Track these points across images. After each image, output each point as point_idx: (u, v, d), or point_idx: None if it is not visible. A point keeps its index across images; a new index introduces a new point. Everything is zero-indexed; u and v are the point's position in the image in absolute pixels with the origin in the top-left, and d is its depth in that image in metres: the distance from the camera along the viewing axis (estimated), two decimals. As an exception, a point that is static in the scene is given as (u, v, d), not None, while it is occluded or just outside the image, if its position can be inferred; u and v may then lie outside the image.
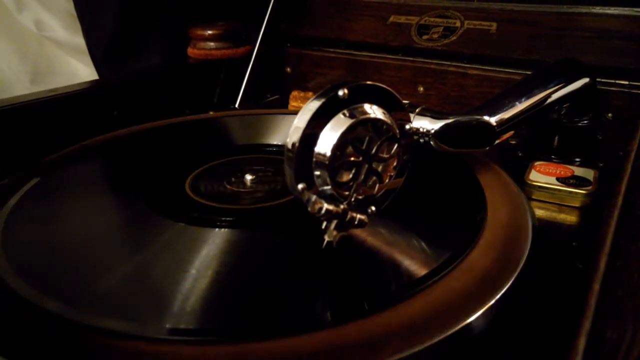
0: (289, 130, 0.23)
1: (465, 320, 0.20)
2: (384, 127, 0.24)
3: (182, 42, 0.56)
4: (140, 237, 0.26)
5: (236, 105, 0.52)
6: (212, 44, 0.54)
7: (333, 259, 0.24)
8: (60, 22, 0.66)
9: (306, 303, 0.22)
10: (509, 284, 0.22)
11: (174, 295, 0.22)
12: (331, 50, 0.56)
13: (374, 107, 0.24)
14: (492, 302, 0.21)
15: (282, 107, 0.53)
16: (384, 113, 0.24)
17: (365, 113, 0.23)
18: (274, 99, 0.57)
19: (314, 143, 0.23)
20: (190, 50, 0.55)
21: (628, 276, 0.17)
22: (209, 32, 0.53)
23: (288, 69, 0.58)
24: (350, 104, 0.24)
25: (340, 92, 0.23)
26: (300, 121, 0.23)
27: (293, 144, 0.23)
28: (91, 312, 0.20)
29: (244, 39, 0.56)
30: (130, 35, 0.57)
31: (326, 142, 0.23)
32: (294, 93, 0.52)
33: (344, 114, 0.23)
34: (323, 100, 0.23)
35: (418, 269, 0.23)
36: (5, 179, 0.32)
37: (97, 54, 0.59)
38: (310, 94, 0.51)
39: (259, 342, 0.19)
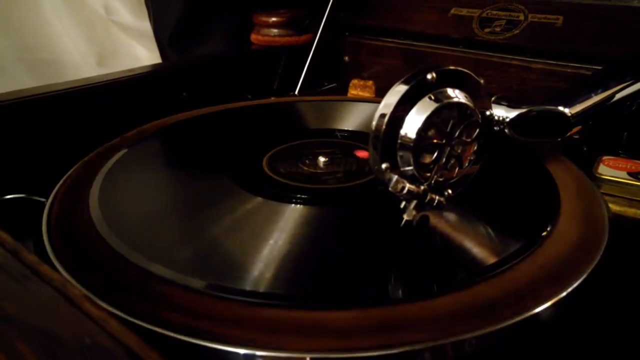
0: (373, 114, 0.24)
1: (543, 304, 0.20)
2: (468, 111, 0.25)
3: (246, 28, 0.57)
4: (222, 207, 0.28)
5: (296, 92, 0.54)
6: (275, 30, 0.55)
7: (411, 237, 0.25)
8: (128, 7, 0.69)
9: (378, 277, 0.23)
10: (588, 272, 0.22)
11: (252, 261, 0.23)
12: (390, 40, 0.56)
13: (457, 91, 0.25)
14: (573, 287, 0.21)
15: (340, 95, 0.54)
16: (466, 97, 0.25)
17: (450, 97, 0.24)
18: (331, 87, 0.58)
19: (400, 125, 0.24)
20: (254, 37, 0.57)
21: None
22: (273, 19, 0.55)
23: (346, 58, 0.59)
24: (435, 88, 0.24)
25: (429, 76, 0.24)
26: (387, 103, 0.24)
27: (379, 126, 0.24)
28: (178, 272, 0.22)
29: (305, 27, 0.57)
30: (196, 21, 0.59)
31: (412, 125, 0.24)
32: (354, 81, 0.53)
33: (430, 98, 0.24)
34: (412, 83, 0.23)
35: (495, 252, 0.24)
36: (98, 148, 0.34)
37: (163, 38, 0.62)
38: (371, 82, 0.52)
39: (333, 311, 0.20)
